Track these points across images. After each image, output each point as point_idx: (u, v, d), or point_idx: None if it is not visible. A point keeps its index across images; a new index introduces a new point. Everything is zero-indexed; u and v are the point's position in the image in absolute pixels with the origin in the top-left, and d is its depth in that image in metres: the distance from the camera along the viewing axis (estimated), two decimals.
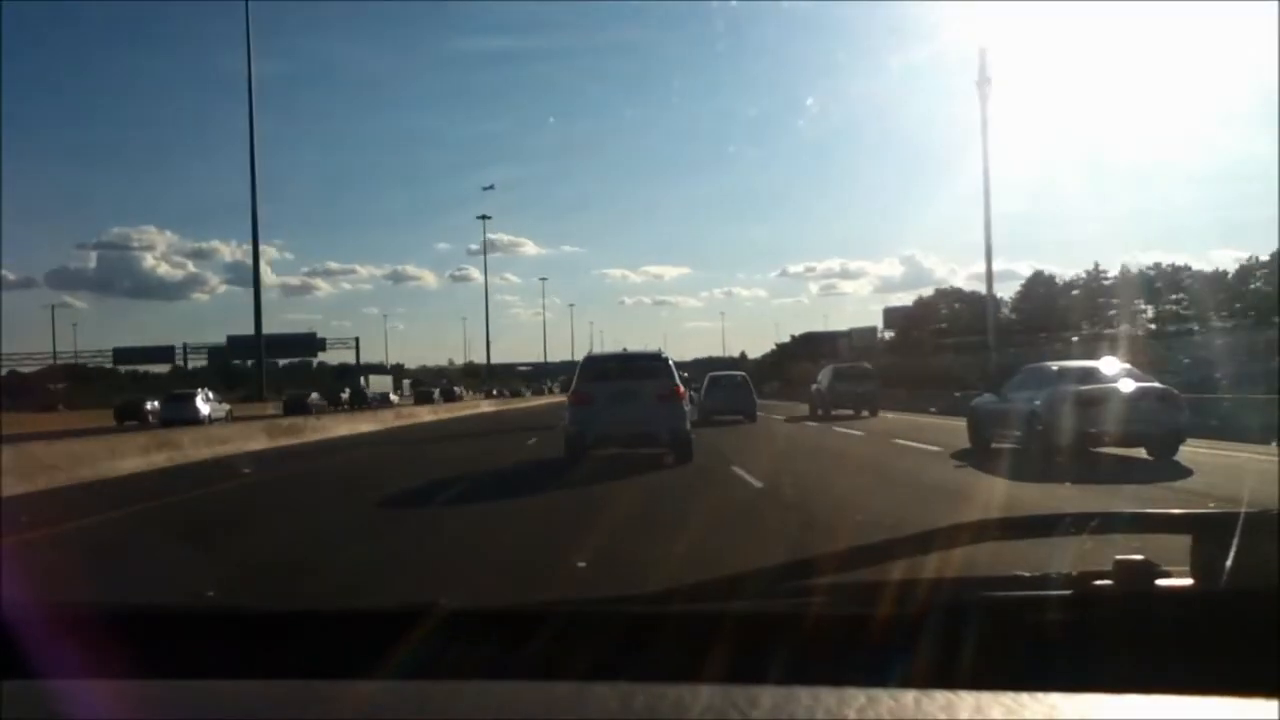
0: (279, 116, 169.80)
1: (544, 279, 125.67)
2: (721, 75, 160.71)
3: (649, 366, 15.65)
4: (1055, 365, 15.12)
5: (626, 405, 14.30)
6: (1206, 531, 1.35)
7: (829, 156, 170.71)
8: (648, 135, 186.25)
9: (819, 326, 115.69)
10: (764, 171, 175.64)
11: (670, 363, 15.76)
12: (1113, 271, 58.77)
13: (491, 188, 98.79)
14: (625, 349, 19.58)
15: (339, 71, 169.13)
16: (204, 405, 37.97)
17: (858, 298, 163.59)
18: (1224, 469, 11.56)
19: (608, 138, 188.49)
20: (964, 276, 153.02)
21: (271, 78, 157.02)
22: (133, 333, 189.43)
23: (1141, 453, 12.87)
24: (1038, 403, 13.53)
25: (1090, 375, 14.04)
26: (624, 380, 14.91)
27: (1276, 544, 1.28)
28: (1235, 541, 1.26)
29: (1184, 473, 11.28)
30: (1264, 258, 65.27)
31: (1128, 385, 13.31)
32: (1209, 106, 74.72)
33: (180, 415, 34.11)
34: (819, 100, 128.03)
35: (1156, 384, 13.76)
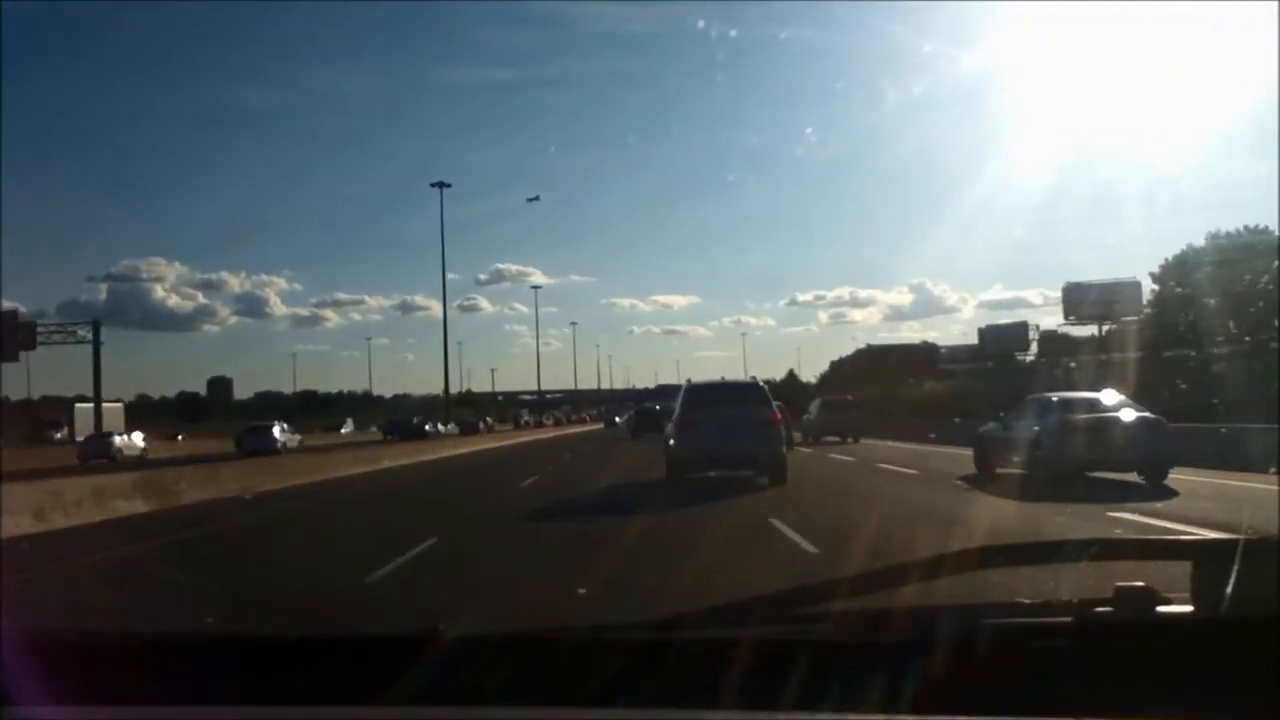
0: (286, 148, 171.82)
1: (536, 287, 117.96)
2: (727, 104, 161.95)
3: (749, 394, 16.62)
4: (1055, 396, 16.17)
5: (729, 431, 15.00)
6: (1207, 558, 1.35)
7: (837, 184, 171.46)
8: (655, 164, 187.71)
9: (832, 355, 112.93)
10: (772, 200, 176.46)
11: (768, 391, 16.84)
12: None
13: (537, 198, 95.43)
14: (723, 378, 20.81)
15: (345, 103, 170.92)
16: (280, 435, 41.94)
17: (867, 325, 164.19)
18: (1212, 495, 12.38)
19: (616, 167, 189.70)
20: (974, 305, 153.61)
21: (279, 109, 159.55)
22: (144, 365, 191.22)
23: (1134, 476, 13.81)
24: (1039, 431, 14.53)
25: (1088, 405, 15.06)
26: (726, 407, 15.70)
27: (1276, 571, 1.28)
28: (1235, 568, 1.26)
29: (1170, 494, 12.28)
30: None
31: (1122, 414, 14.30)
32: (1213, 130, 74.48)
33: (260, 445, 37.79)
34: (825, 129, 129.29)
35: (1148, 413, 14.72)
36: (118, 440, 40.64)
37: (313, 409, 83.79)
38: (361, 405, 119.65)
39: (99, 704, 1.17)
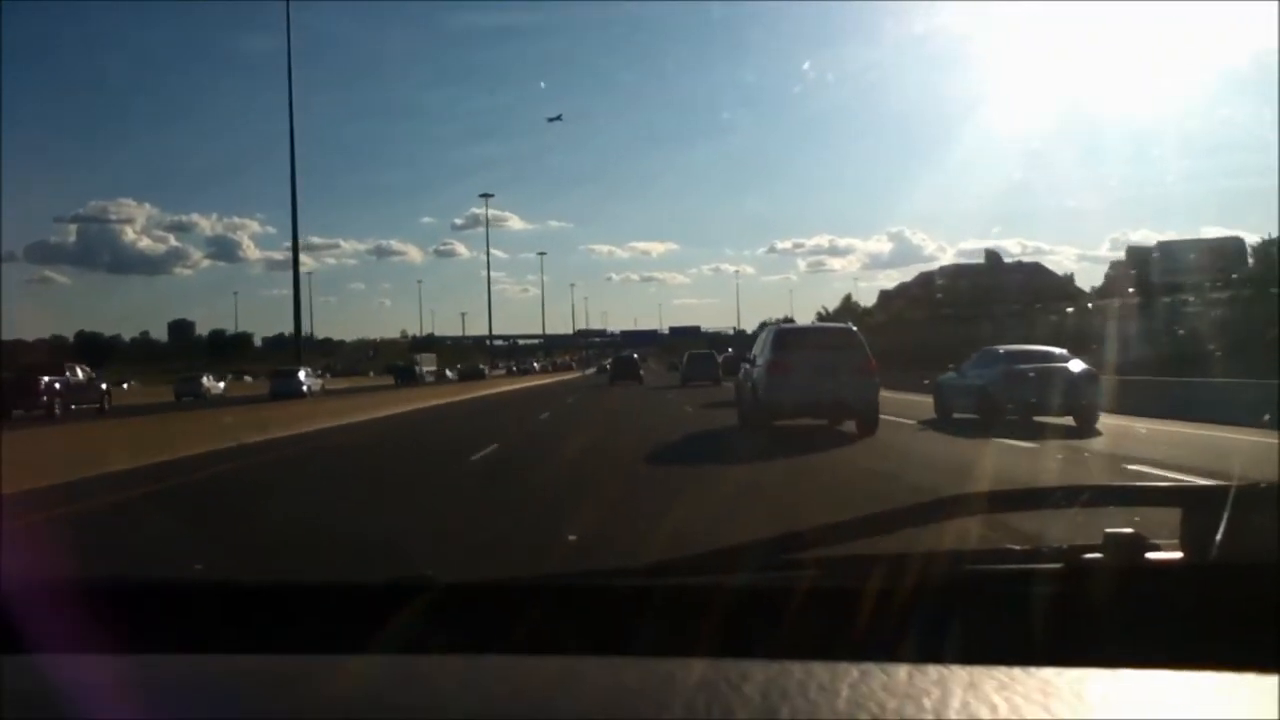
0: (263, 90, 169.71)
1: (488, 195, 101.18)
2: (706, 52, 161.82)
3: (842, 339, 16.15)
4: (1003, 348, 18.40)
5: (822, 377, 14.72)
6: (1196, 505, 1.37)
7: (816, 133, 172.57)
8: (634, 112, 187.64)
9: (811, 302, 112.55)
10: (752, 148, 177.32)
11: (861, 336, 16.30)
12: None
13: (559, 118, 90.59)
14: (815, 320, 20.70)
15: (324, 47, 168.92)
16: (305, 380, 44.21)
17: (846, 274, 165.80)
18: (1130, 436, 14.64)
19: (594, 114, 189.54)
20: (953, 254, 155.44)
21: (257, 53, 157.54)
22: (117, 308, 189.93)
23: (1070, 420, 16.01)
24: (987, 379, 16.77)
25: (1031, 357, 17.32)
26: (819, 352, 15.34)
27: (1265, 517, 1.31)
28: (1225, 515, 1.28)
29: (1095, 434, 14.64)
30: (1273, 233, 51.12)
31: (1061, 366, 16.58)
32: (1203, 78, 74.53)
33: (287, 389, 40.16)
34: (806, 77, 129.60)
35: (1083, 365, 16.98)
36: (205, 382, 49.16)
37: (219, 351, 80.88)
38: (285, 348, 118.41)
39: (86, 651, 1.19)
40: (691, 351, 47.00)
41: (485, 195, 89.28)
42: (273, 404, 30.13)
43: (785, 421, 15.23)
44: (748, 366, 17.10)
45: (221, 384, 51.71)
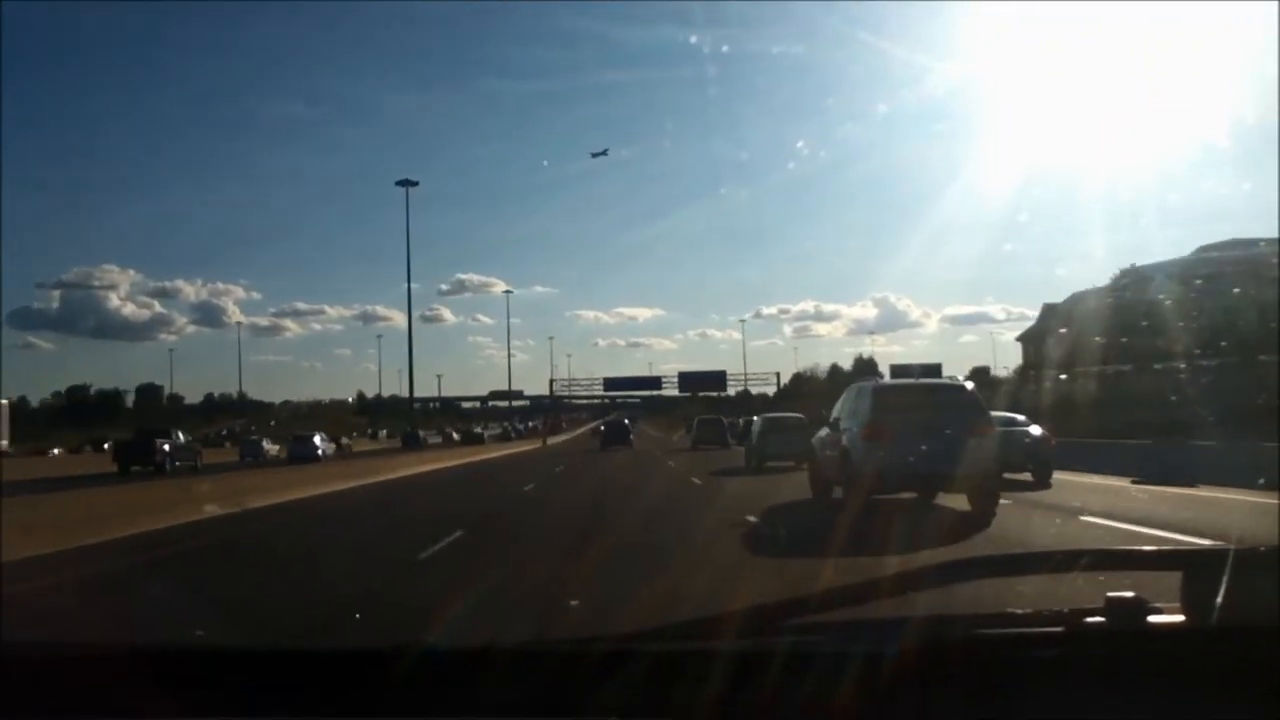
0: (247, 156, 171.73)
1: (408, 186, 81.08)
2: (699, 120, 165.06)
3: (955, 399, 13.72)
4: None
5: (932, 442, 12.35)
6: (1197, 568, 1.37)
7: (802, 200, 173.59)
8: (620, 178, 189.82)
9: (797, 367, 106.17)
10: (737, 217, 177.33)
11: (978, 396, 14.06)
12: None
13: (604, 153, 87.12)
14: (918, 377, 18.50)
15: (308, 111, 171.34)
16: (320, 444, 47.87)
17: (831, 340, 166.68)
18: (1075, 489, 16.89)
19: (580, 180, 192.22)
20: (937, 319, 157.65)
21: (240, 119, 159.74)
22: (98, 374, 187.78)
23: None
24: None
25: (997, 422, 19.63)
26: (928, 413, 12.92)
27: (1266, 581, 1.31)
28: (1225, 578, 1.29)
29: (1046, 487, 17.00)
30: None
31: (1017, 429, 18.83)
32: (1184, 149, 77.08)
33: (303, 453, 43.23)
34: (791, 146, 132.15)
35: (1039, 429, 19.33)
36: (265, 445, 55.55)
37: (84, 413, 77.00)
38: (217, 410, 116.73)
39: (75, 715, 1.21)
40: (701, 416, 47.95)
41: (406, 183, 67.05)
42: (301, 466, 32.32)
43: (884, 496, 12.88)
44: (828, 431, 14.97)
45: (276, 447, 56.97)
